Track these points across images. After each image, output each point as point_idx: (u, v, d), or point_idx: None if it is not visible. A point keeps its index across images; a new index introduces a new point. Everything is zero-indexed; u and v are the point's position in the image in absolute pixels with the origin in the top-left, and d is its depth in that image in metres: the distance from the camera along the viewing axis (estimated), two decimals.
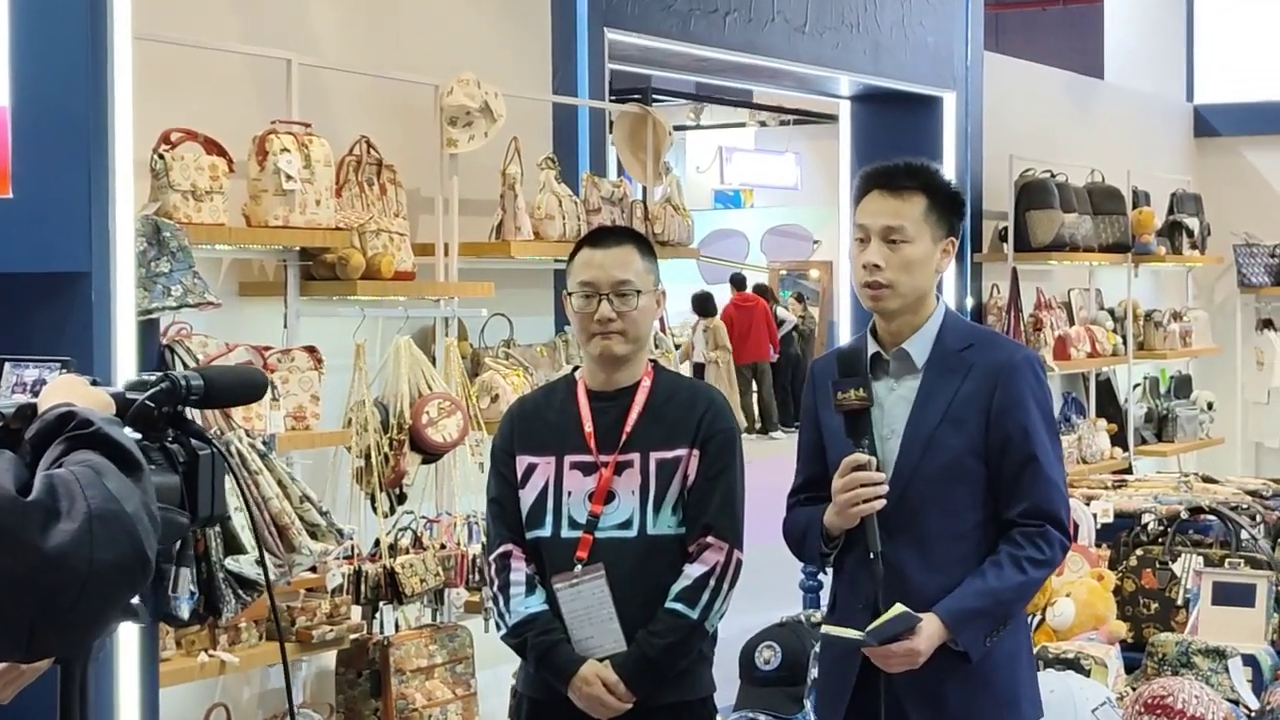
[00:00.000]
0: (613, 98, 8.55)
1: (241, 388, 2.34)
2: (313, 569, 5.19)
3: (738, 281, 20.16)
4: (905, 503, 3.43)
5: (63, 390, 2.04)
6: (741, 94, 19.69)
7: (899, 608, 3.33)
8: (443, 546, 5.56)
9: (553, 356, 6.37)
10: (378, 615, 5.37)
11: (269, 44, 5.37)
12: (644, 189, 6.94)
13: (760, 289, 20.47)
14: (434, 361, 5.74)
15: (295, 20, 5.63)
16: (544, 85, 6.66)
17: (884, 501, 3.40)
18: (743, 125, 23.38)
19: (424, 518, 5.62)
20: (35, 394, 2.10)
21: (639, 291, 3.73)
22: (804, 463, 3.68)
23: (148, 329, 4.25)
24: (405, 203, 5.69)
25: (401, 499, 5.48)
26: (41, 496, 1.79)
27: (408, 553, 5.44)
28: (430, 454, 5.49)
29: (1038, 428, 3.45)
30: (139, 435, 2.11)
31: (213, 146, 4.90)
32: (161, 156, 4.75)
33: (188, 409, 2.22)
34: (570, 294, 3.77)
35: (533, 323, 6.44)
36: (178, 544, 2.17)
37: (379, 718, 5.36)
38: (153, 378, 2.15)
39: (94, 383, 2.15)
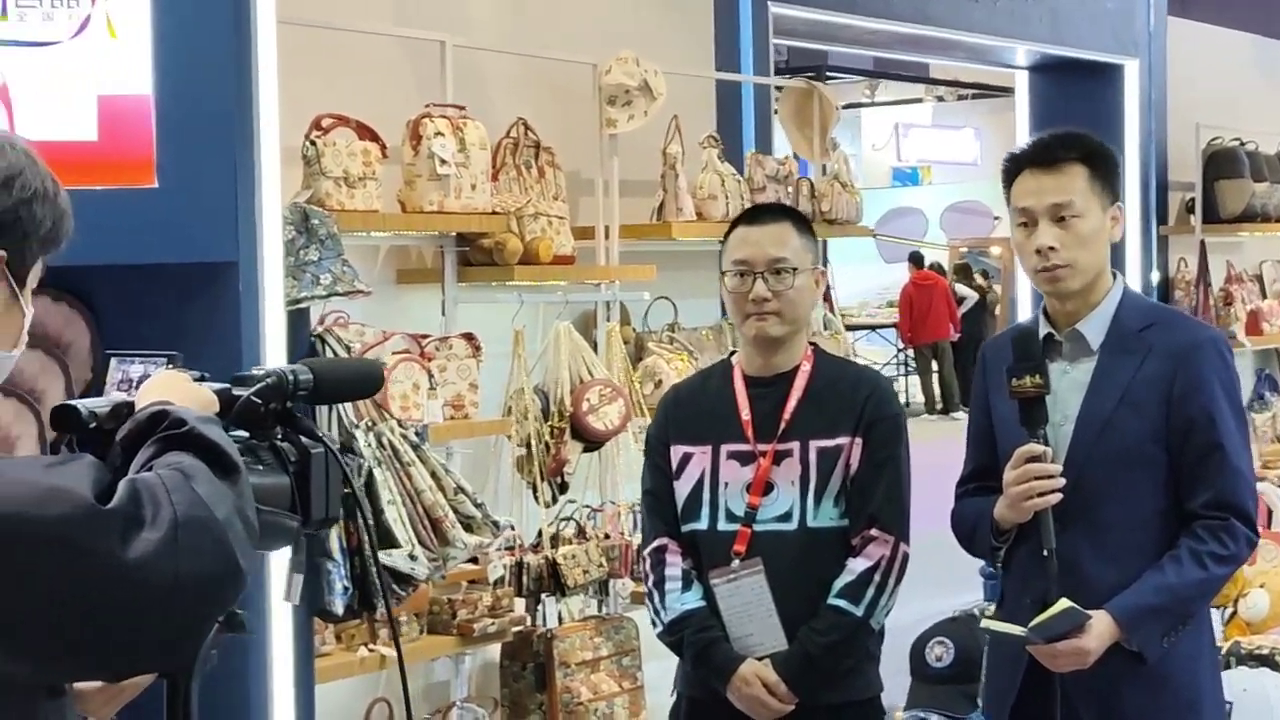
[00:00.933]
0: (786, 75, 8.38)
1: (355, 381, 2.21)
2: (474, 560, 5.10)
3: (916, 260, 19.83)
4: (1079, 491, 3.22)
5: (160, 387, 1.92)
6: (917, 69, 19.35)
7: (1064, 603, 3.12)
8: (606, 536, 5.43)
9: (719, 340, 6.20)
10: (540, 607, 5.25)
11: (423, 26, 5.27)
12: (813, 166, 6.75)
13: (937, 267, 20.11)
14: (595, 347, 5.61)
15: (450, 1, 5.52)
16: (706, 62, 6.49)
17: (1059, 496, 3.20)
18: (919, 101, 23.01)
19: (587, 507, 5.50)
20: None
21: (796, 270, 3.55)
22: (973, 450, 3.48)
23: (298, 319, 4.17)
24: (564, 185, 5.56)
25: (563, 488, 5.35)
26: (123, 504, 1.66)
27: (571, 543, 5.32)
28: (592, 442, 5.35)
29: (1223, 413, 3.22)
30: (246, 433, 1.99)
31: (365, 132, 4.80)
32: (313, 143, 4.66)
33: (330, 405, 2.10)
34: (725, 273, 3.61)
35: (698, 306, 6.27)
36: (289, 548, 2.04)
37: (544, 711, 5.25)
38: (259, 372, 2.03)
39: (201, 378, 2.03)
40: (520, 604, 5.24)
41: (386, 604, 3.95)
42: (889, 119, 23.10)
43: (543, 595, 5.21)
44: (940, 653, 4.37)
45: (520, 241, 5.19)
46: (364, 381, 2.23)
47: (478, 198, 5.03)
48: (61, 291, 3.96)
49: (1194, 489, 3.23)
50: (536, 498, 5.29)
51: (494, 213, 5.10)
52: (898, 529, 3.52)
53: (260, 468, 1.97)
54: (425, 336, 5.01)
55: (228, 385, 2.01)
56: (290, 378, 2.02)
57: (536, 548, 5.25)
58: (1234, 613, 4.87)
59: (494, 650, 5.35)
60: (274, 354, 3.91)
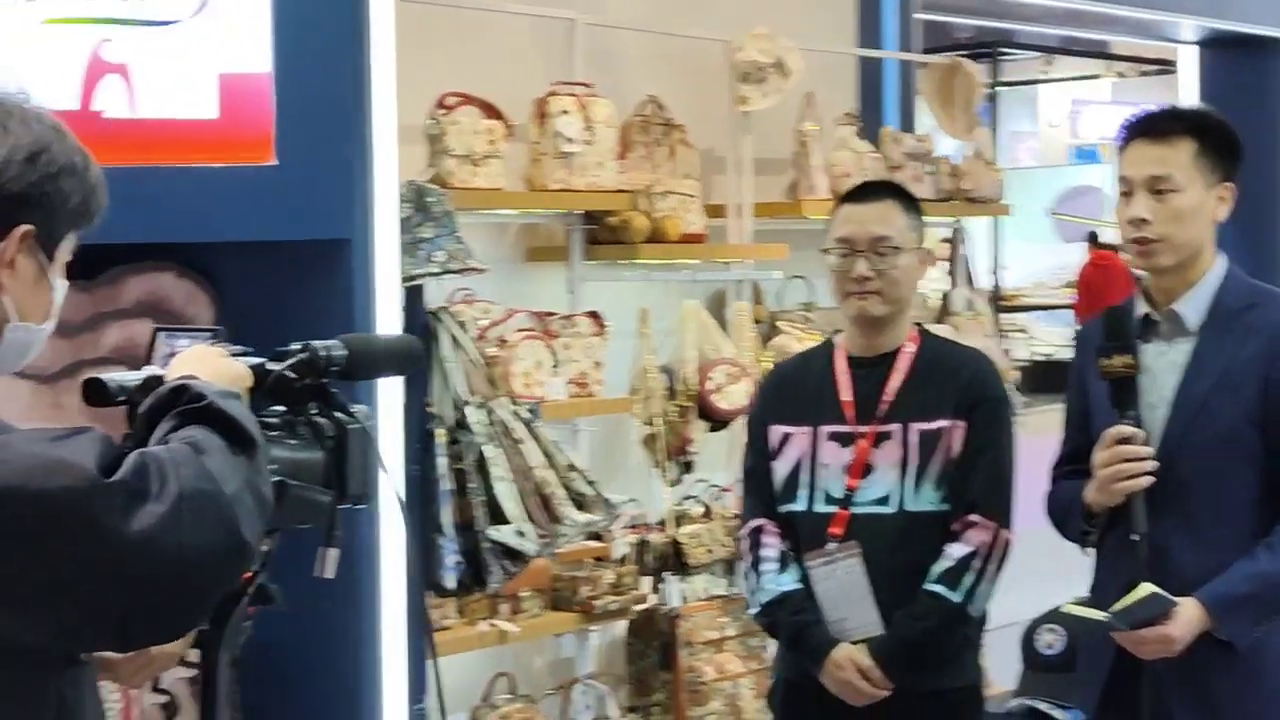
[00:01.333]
0: (962, 51, 8.24)
1: (391, 358, 2.23)
2: (598, 538, 5.12)
3: (1094, 239, 19.45)
4: (1173, 476, 3.14)
5: (191, 361, 1.94)
6: (1097, 45, 18.97)
7: (1147, 588, 3.06)
8: (735, 516, 5.41)
9: None
10: (663, 586, 5.25)
11: (554, 4, 5.28)
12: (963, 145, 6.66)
13: (1114, 246, 19.70)
14: (726, 326, 5.58)
15: None
16: (848, 38, 6.42)
17: (1151, 479, 3.12)
18: (1097, 77, 22.56)
19: (715, 486, 5.47)
20: None
21: (898, 249, 3.51)
22: (1070, 432, 3.41)
23: (414, 295, 4.21)
24: (696, 163, 5.54)
25: (688, 467, 5.33)
26: (127, 477, 1.68)
27: (696, 522, 5.30)
28: (717, 421, 5.33)
29: None
30: (283, 408, 2.01)
31: (490, 110, 4.83)
32: (437, 121, 4.70)
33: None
34: (827, 251, 3.58)
35: None
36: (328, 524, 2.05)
37: (668, 690, 5.25)
38: (295, 347, 2.05)
39: (245, 353, 2.05)
40: (647, 582, 5.24)
41: (419, 592, 3.92)
42: (1068, 95, 22.69)
43: (665, 574, 5.21)
44: (1051, 640, 4.28)
45: (647, 220, 5.18)
46: (401, 358, 2.25)
47: (604, 176, 5.04)
48: (184, 268, 4.03)
49: None
50: (663, 476, 5.29)
51: (620, 191, 5.10)
52: (1000, 515, 3.46)
53: (294, 442, 2.00)
54: (550, 314, 5.03)
55: (263, 360, 2.03)
56: (323, 353, 2.04)
57: (661, 526, 5.25)
58: None
59: (621, 628, 5.36)
60: (387, 330, 3.95)
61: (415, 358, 2.27)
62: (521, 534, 4.12)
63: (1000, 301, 20.34)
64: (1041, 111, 23.91)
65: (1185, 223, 3.19)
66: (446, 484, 4.12)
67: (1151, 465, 3.13)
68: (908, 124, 6.57)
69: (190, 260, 4.00)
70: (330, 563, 2.07)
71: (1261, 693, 3.17)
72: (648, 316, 5.28)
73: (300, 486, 1.95)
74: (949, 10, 7.42)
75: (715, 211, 5.67)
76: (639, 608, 5.16)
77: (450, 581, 4.12)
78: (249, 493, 1.75)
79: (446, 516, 4.12)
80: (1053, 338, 20.16)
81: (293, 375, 2.01)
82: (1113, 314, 3.26)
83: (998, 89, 23.01)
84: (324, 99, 3.84)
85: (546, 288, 5.27)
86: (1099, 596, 3.29)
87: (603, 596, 5.00)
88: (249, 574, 1.96)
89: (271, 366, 2.02)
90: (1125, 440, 3.14)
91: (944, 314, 6.40)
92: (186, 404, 1.80)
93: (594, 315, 5.08)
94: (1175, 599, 3.09)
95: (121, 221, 3.41)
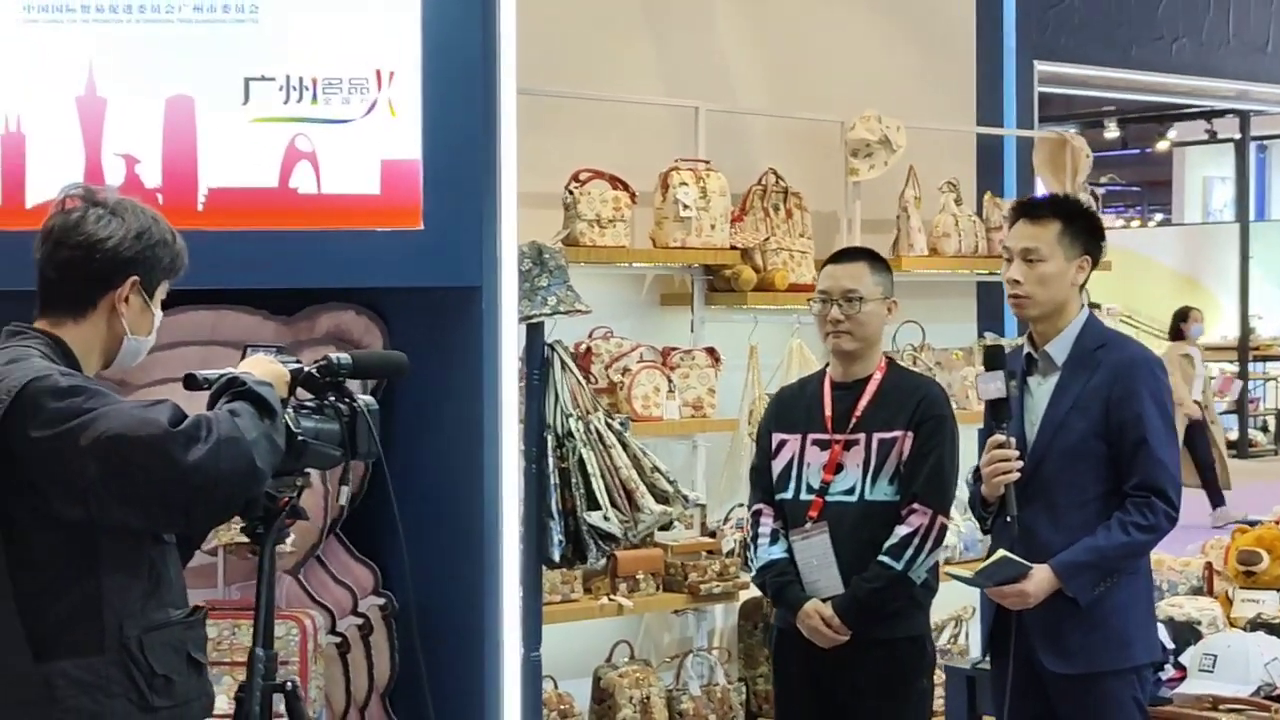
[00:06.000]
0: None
1: (383, 365, 3.40)
2: (712, 534, 6.22)
3: None
4: (1039, 476, 4.13)
5: (249, 364, 3.13)
6: None
7: (1001, 553, 4.05)
8: None
9: (968, 359, 7.10)
10: None
11: (690, 92, 6.40)
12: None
13: None
14: None
15: (713, 72, 6.64)
16: (969, 115, 7.39)
17: (1018, 475, 4.09)
18: None
19: None
20: None
21: (863, 299, 4.54)
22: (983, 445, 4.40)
23: (534, 331, 5.34)
24: (810, 224, 6.60)
25: None
26: (188, 428, 2.84)
27: None
28: None
29: (1150, 415, 4.08)
30: (311, 395, 3.19)
31: (617, 182, 5.97)
32: (571, 192, 5.87)
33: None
34: (810, 300, 4.64)
35: (949, 329, 7.16)
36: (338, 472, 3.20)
37: (770, 664, 6.29)
38: (319, 357, 3.23)
39: (297, 362, 3.22)
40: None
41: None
42: None
43: None
44: None
45: (753, 272, 6.27)
46: (391, 366, 3.41)
47: (716, 236, 6.14)
48: (362, 307, 5.14)
49: (1126, 475, 4.11)
50: None
51: (730, 248, 6.20)
52: (936, 504, 4.47)
53: (319, 417, 3.16)
54: (673, 349, 6.15)
55: (301, 365, 3.21)
56: (336, 361, 3.21)
57: None
58: None
59: (735, 612, 6.42)
60: (509, 358, 4.99)
61: (400, 365, 3.42)
62: (607, 519, 5.22)
63: (1253, 351, 20.68)
64: None
65: (1048, 285, 4.17)
66: (554, 479, 5.26)
67: (1018, 465, 4.12)
68: (1027, 191, 7.50)
69: (365, 301, 5.10)
70: (344, 495, 3.23)
71: (1101, 636, 4.13)
72: (756, 352, 6.36)
73: (317, 444, 3.11)
74: (1068, 84, 8.29)
75: None
76: (744, 594, 6.22)
77: (556, 555, 5.24)
78: (265, 440, 2.92)
79: (554, 504, 5.25)
80: None
81: (317, 374, 3.19)
82: (989, 351, 4.26)
83: (1267, 143, 23.35)
84: (460, 177, 4.86)
85: (674, 327, 6.40)
86: None
87: (709, 582, 6.08)
88: (285, 499, 3.14)
89: (308, 369, 3.20)
90: (1001, 446, 4.14)
91: None
92: (236, 388, 2.99)
93: (710, 350, 6.19)
94: (1028, 563, 4.07)
95: (311, 271, 4.63)
